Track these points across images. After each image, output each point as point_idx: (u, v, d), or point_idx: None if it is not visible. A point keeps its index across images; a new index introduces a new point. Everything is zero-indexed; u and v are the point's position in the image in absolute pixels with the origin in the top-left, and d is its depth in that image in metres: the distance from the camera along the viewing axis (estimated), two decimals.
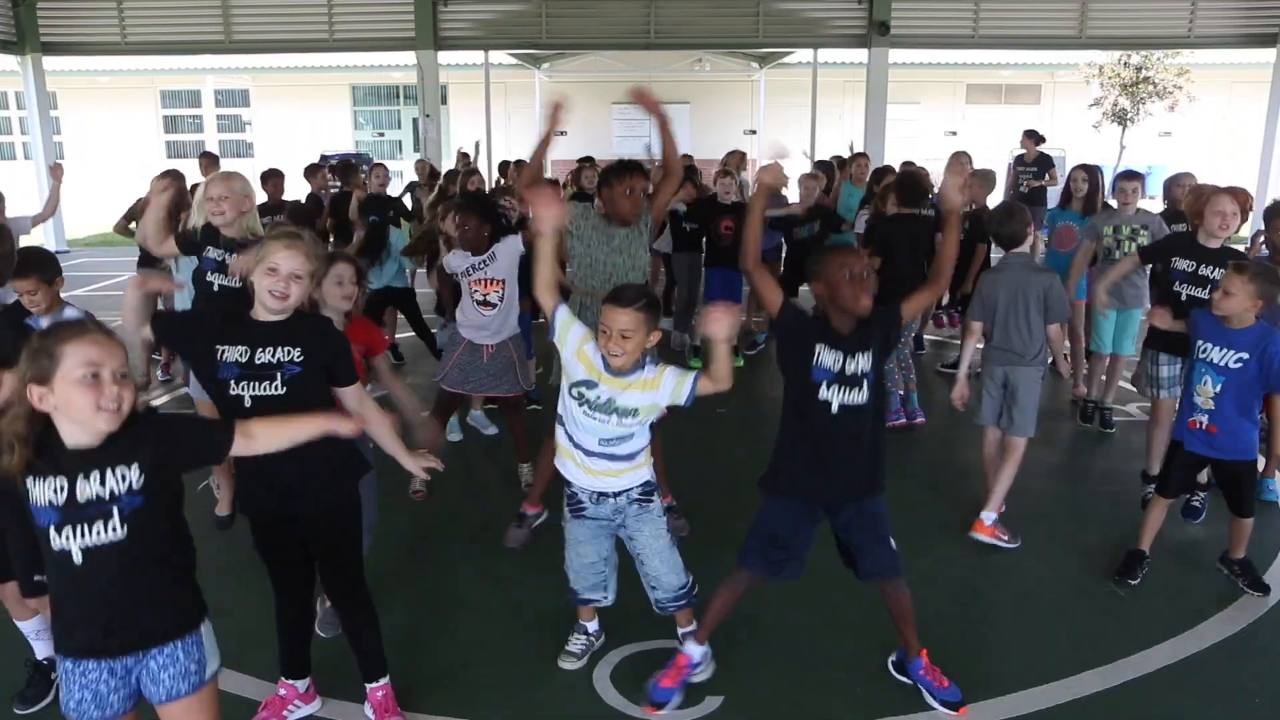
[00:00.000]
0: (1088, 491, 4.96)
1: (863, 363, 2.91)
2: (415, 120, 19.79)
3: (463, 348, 4.66)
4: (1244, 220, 4.40)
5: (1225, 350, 3.63)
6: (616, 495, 3.07)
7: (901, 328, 3.08)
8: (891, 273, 5.51)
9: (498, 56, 18.24)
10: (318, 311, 3.21)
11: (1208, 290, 4.13)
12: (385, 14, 13.98)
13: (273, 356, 2.67)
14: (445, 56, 14.73)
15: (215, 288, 3.99)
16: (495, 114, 18.70)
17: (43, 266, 3.47)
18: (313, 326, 2.81)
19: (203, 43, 14.44)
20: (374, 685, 3.02)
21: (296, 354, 2.69)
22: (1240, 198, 4.27)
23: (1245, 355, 3.59)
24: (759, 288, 3.07)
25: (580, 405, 2.95)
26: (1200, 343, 3.73)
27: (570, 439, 3.04)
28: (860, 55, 14.33)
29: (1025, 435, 4.31)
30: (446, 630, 3.60)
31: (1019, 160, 10.79)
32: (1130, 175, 5.88)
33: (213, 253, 4.00)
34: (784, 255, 8.07)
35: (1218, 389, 3.66)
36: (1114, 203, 5.91)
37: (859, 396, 2.91)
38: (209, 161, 8.96)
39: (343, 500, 2.90)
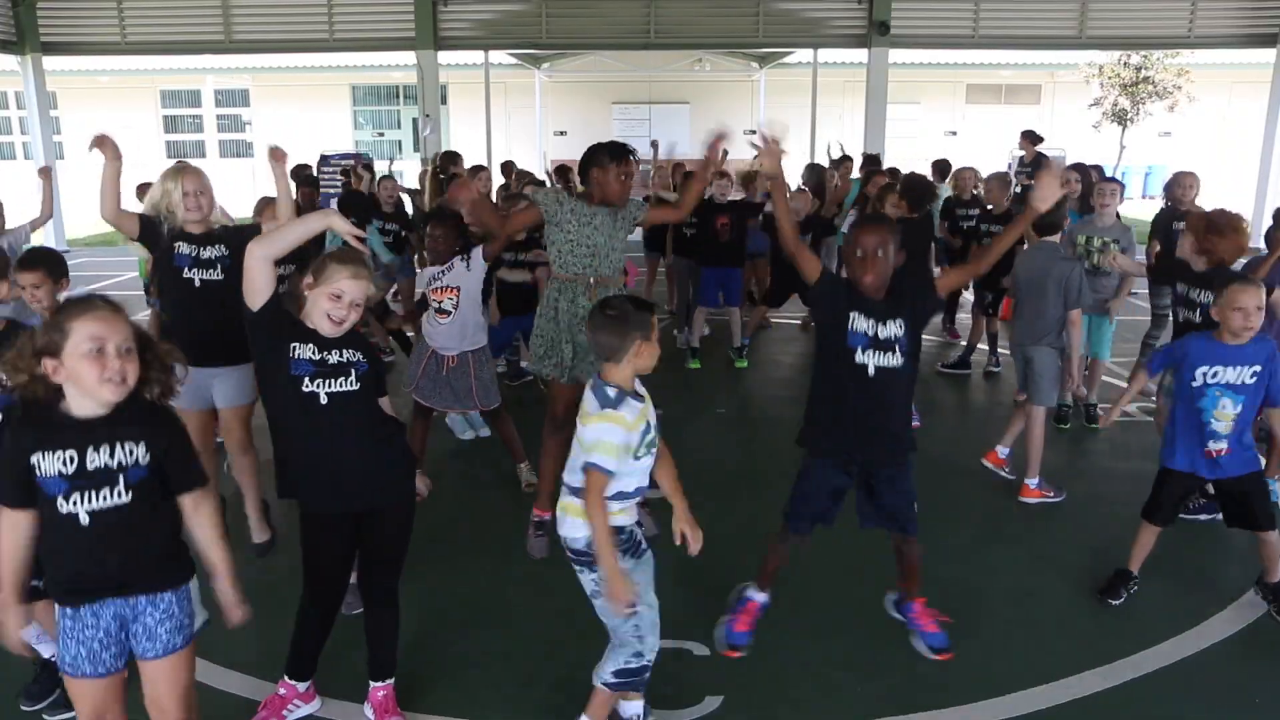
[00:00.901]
0: (1087, 491, 4.96)
1: (894, 328, 3.06)
2: (415, 120, 19.79)
3: (429, 356, 4.65)
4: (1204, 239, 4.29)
5: (1240, 368, 3.50)
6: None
7: (935, 299, 3.26)
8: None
9: (498, 56, 18.23)
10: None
11: (1198, 313, 4.17)
12: (385, 14, 13.98)
13: (342, 357, 2.77)
14: (445, 56, 14.73)
15: (197, 283, 3.84)
16: (495, 114, 18.71)
17: (51, 264, 3.53)
18: (361, 337, 2.91)
19: (203, 43, 14.43)
20: (378, 685, 3.02)
21: (360, 356, 2.81)
22: (1191, 221, 4.30)
23: (1259, 368, 3.50)
24: (800, 262, 3.20)
25: (647, 455, 2.78)
26: (1202, 369, 3.53)
27: (619, 499, 2.74)
28: (860, 55, 14.33)
29: (1040, 404, 4.81)
30: (446, 630, 3.60)
31: (1020, 161, 10.81)
32: (1110, 180, 6.08)
33: (185, 248, 3.85)
34: (772, 259, 7.97)
35: (1239, 408, 3.52)
36: (1094, 205, 5.95)
37: (894, 359, 3.07)
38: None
39: (407, 496, 3.00)
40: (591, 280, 3.99)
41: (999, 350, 7.19)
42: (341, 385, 2.74)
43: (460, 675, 3.30)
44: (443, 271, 4.60)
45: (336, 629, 3.01)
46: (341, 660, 3.12)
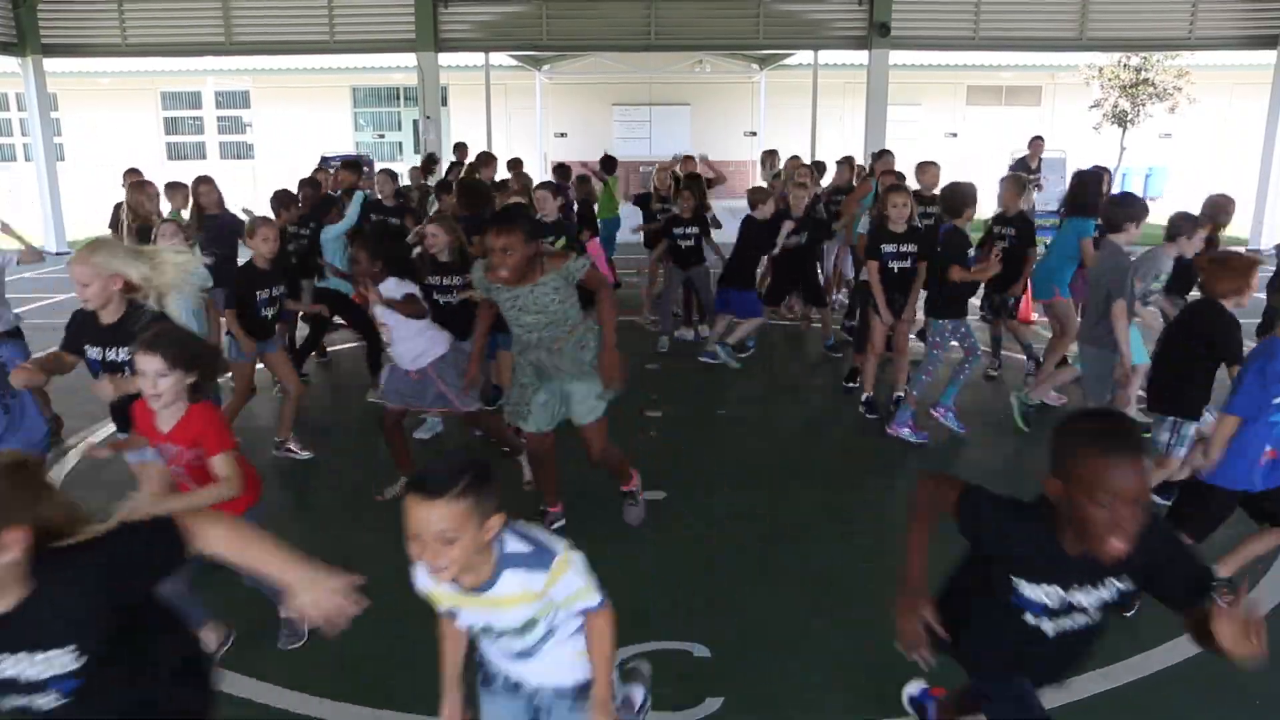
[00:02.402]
0: None
1: (1102, 593, 2.09)
2: (416, 122, 19.81)
3: (394, 367, 4.66)
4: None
5: None
6: (537, 690, 2.23)
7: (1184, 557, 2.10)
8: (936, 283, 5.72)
9: (498, 58, 18.26)
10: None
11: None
12: (386, 16, 13.99)
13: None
14: (445, 58, 14.75)
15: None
16: (496, 115, 18.73)
17: None
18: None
19: (203, 44, 14.45)
20: None
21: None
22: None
23: None
24: (926, 499, 2.33)
25: (497, 642, 2.15)
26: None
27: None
28: (861, 57, 14.35)
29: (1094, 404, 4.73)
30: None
31: (1021, 163, 10.83)
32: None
33: (93, 351, 3.33)
34: (772, 262, 7.81)
35: None
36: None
37: (1084, 619, 2.14)
38: (135, 179, 7.73)
39: None
40: (536, 339, 3.99)
41: (1001, 353, 7.20)
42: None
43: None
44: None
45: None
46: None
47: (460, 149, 11.30)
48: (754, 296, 7.37)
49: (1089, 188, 6.03)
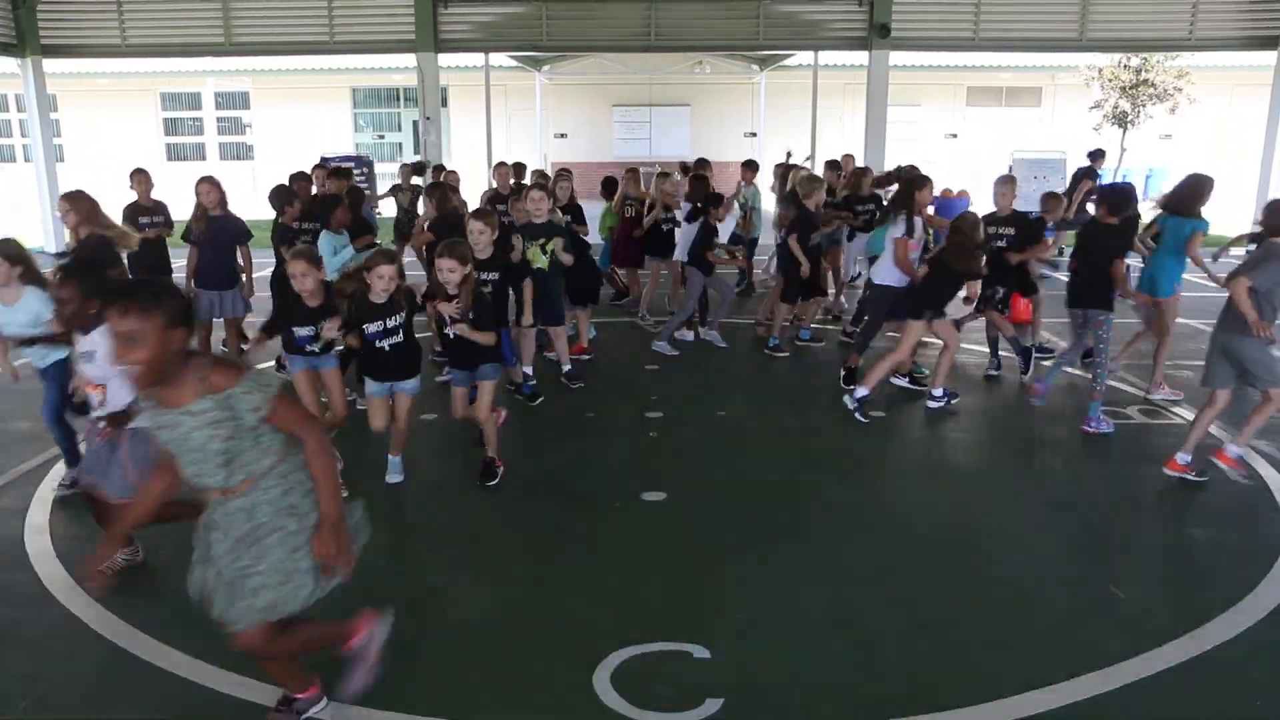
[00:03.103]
0: (1091, 494, 4.95)
1: None
2: (415, 123, 19.82)
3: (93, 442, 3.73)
4: None
5: None
6: None
7: None
8: (1085, 277, 5.96)
9: (498, 58, 18.28)
10: None
11: None
12: (385, 16, 14.00)
13: None
14: (445, 59, 14.75)
15: None
16: (495, 116, 18.74)
17: None
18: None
19: (203, 45, 14.45)
20: None
21: None
22: None
23: None
24: None
25: None
26: None
27: None
28: (861, 58, 14.35)
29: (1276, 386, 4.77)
30: (446, 631, 3.59)
31: (1088, 172, 10.94)
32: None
33: None
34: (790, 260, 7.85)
35: None
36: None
37: None
38: (143, 179, 7.46)
39: None
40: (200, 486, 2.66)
41: (1000, 354, 7.18)
42: None
43: (460, 676, 3.29)
44: (88, 353, 3.66)
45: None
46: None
47: (439, 171, 11.20)
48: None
49: (1202, 195, 6.22)
